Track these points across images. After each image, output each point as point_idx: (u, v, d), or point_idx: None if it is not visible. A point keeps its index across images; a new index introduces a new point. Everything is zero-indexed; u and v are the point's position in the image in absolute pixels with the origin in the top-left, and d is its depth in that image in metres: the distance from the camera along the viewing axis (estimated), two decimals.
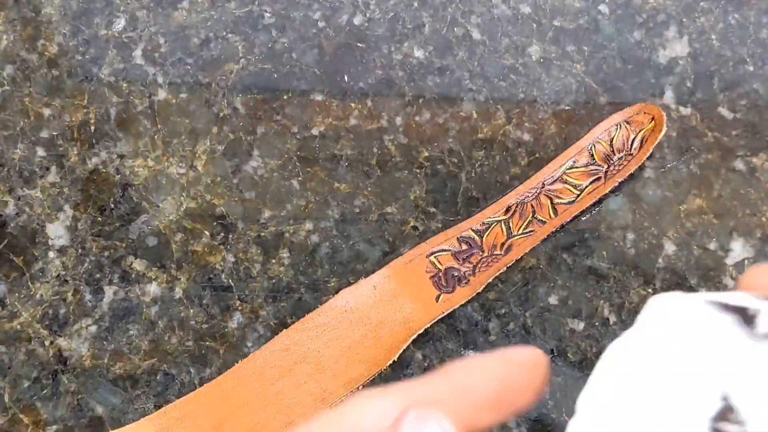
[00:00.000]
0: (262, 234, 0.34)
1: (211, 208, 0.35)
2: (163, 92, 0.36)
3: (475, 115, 0.36)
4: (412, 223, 0.34)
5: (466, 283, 0.33)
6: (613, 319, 0.33)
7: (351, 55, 0.36)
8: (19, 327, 0.34)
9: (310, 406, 0.32)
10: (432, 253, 0.34)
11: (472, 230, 0.34)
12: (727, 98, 0.36)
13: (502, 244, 0.34)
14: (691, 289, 0.34)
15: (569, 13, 0.37)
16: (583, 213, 0.34)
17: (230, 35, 0.37)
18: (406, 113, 0.36)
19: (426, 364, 0.33)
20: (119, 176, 0.35)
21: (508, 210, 0.34)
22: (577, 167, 0.34)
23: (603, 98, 0.36)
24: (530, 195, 0.34)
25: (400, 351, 0.33)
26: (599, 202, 0.34)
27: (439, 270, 0.33)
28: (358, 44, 0.36)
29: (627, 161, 0.34)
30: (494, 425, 0.21)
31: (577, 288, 0.34)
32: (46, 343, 0.33)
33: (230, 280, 0.34)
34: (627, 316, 0.33)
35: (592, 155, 0.34)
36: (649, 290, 0.34)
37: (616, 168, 0.34)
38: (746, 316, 0.17)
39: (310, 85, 0.36)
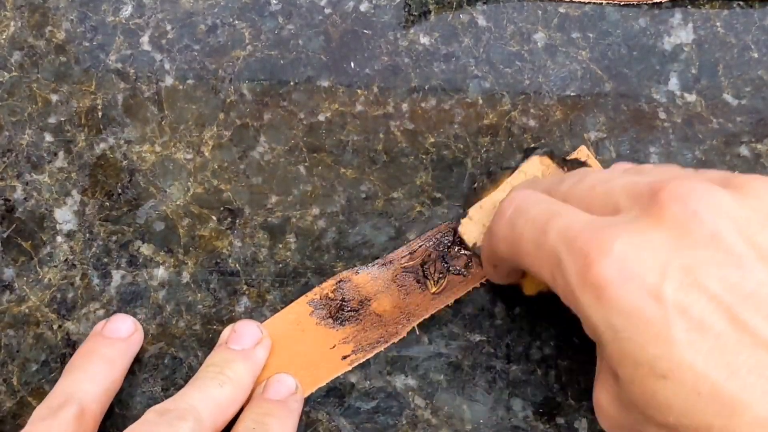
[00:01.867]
0: (269, 219, 0.35)
1: (218, 194, 0.35)
2: (170, 78, 0.36)
3: (480, 102, 0.36)
4: (418, 209, 0.35)
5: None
6: None
7: (357, 41, 0.37)
8: (27, 311, 0.34)
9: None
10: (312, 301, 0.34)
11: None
12: (732, 85, 0.36)
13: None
14: None
15: (574, 0, 0.37)
16: None
17: (237, 22, 0.37)
18: (412, 99, 0.36)
19: (432, 348, 0.33)
20: (126, 162, 0.35)
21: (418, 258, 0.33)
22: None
23: (608, 85, 0.36)
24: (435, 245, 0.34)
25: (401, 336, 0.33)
26: None
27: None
28: (365, 31, 0.37)
29: None
30: None
31: None
32: (54, 326, 0.34)
33: (237, 265, 0.34)
34: None
35: None
36: None
37: None
38: None
39: (316, 72, 0.36)
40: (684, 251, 0.22)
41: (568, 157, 0.34)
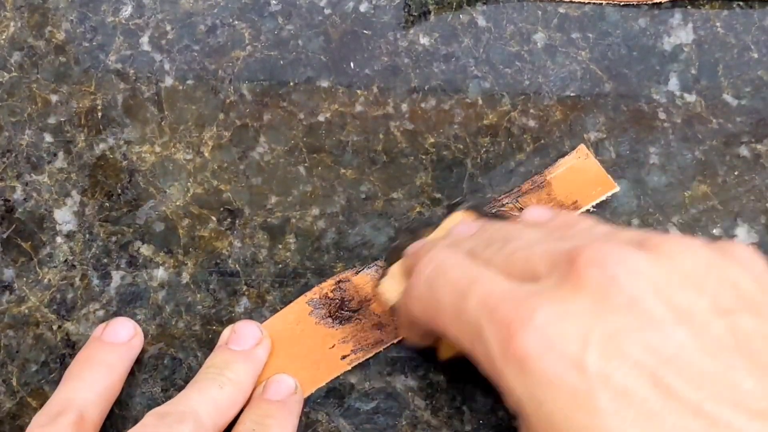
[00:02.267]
0: (269, 219, 0.35)
1: (217, 194, 0.35)
2: (170, 79, 0.36)
3: (480, 102, 0.36)
4: (418, 209, 0.35)
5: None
6: None
7: (357, 42, 0.37)
8: (27, 312, 0.34)
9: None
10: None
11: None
12: (732, 85, 0.36)
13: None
14: None
15: (574, 0, 0.37)
16: None
17: (237, 22, 0.37)
18: (412, 100, 0.36)
19: (432, 349, 0.33)
20: (126, 162, 0.35)
21: None
22: None
23: (608, 85, 0.36)
24: None
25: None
26: None
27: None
28: (364, 31, 0.37)
29: None
30: None
31: None
32: (54, 327, 0.34)
33: (237, 266, 0.34)
34: None
35: None
36: None
37: None
38: None
39: (316, 72, 0.36)
40: (604, 318, 0.21)
41: (493, 212, 0.33)
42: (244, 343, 0.32)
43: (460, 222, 0.32)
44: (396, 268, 0.32)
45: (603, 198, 0.34)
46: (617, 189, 0.34)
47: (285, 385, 0.31)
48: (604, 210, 0.34)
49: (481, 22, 0.37)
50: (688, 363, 0.21)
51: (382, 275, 0.32)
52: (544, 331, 0.22)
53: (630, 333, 0.21)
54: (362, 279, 0.34)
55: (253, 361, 0.31)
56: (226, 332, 0.32)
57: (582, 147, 0.35)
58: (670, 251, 0.23)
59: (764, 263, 0.24)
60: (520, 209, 0.34)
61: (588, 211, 0.34)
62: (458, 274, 0.25)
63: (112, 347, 0.32)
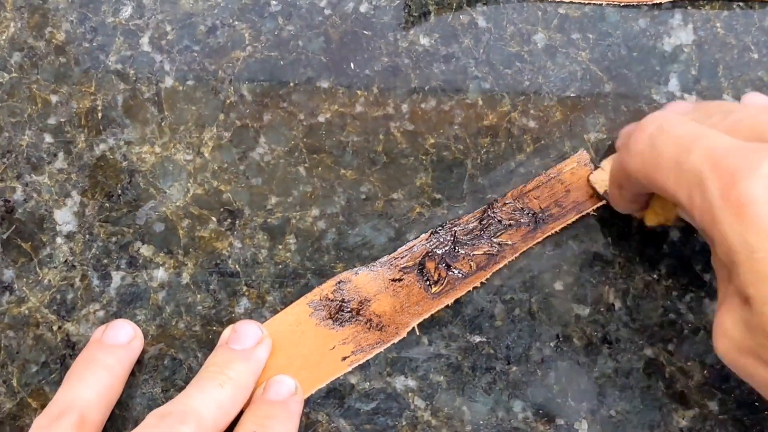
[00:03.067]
0: (269, 220, 0.35)
1: (217, 195, 0.35)
2: (170, 79, 0.36)
3: (480, 102, 0.36)
4: (417, 210, 0.35)
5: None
6: (618, 304, 0.33)
7: (357, 42, 0.37)
8: (27, 312, 0.34)
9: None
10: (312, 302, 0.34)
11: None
12: (732, 86, 0.36)
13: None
14: (696, 275, 0.34)
15: (574, 1, 0.37)
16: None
17: (237, 23, 0.37)
18: (412, 100, 0.36)
19: (432, 350, 0.33)
20: (126, 163, 0.35)
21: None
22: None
23: (608, 86, 0.36)
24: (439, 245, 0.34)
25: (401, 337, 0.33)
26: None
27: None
28: (365, 32, 0.37)
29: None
30: None
31: (583, 274, 0.34)
32: (54, 328, 0.34)
33: (237, 266, 0.34)
34: (632, 301, 0.33)
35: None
36: (654, 276, 0.34)
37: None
38: None
39: (316, 73, 0.36)
40: None
41: None
42: (244, 342, 0.32)
43: (675, 102, 0.33)
44: (607, 162, 0.33)
45: (603, 202, 0.34)
46: None
47: (285, 386, 0.31)
48: (604, 210, 0.34)
49: (482, 22, 0.37)
50: None
51: (595, 168, 0.34)
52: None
53: None
54: (363, 279, 0.34)
55: (254, 361, 0.31)
56: (227, 332, 0.32)
57: (582, 151, 0.35)
58: None
59: None
60: (522, 209, 0.34)
61: (590, 214, 0.34)
62: (683, 130, 0.26)
63: (112, 349, 0.32)
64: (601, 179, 0.33)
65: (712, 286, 0.34)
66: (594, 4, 0.37)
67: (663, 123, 0.27)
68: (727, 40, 0.36)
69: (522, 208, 0.34)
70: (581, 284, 0.34)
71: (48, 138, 0.36)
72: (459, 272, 0.33)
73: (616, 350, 0.33)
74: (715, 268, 0.26)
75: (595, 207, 0.34)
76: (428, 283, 0.33)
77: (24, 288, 0.34)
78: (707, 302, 0.33)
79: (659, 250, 0.34)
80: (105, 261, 0.34)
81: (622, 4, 0.37)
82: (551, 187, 0.34)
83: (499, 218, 0.34)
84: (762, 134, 0.25)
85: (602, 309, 0.33)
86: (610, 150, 0.34)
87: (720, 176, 0.23)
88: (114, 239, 0.35)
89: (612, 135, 0.35)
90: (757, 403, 0.32)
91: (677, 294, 0.34)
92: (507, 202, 0.34)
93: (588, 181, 0.34)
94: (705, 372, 0.33)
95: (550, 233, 0.34)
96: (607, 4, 0.37)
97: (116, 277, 0.34)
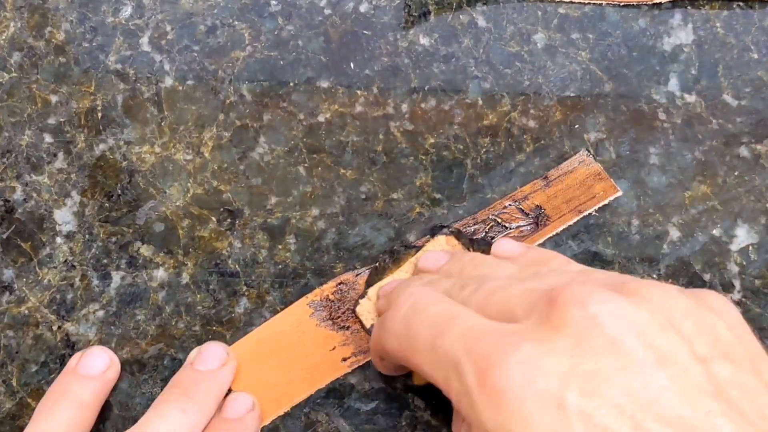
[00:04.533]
0: (269, 220, 0.35)
1: (217, 195, 0.35)
2: (170, 79, 0.36)
3: (480, 102, 0.36)
4: (417, 209, 0.35)
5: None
6: None
7: (357, 42, 0.37)
8: (26, 312, 0.34)
9: None
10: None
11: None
12: (732, 85, 0.36)
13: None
14: (696, 275, 0.34)
15: (574, 1, 0.37)
16: None
17: (237, 22, 0.37)
18: (412, 100, 0.36)
19: None
20: (126, 162, 0.35)
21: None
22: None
23: (608, 85, 0.36)
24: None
25: None
26: None
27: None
28: (364, 32, 0.37)
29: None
30: None
31: None
32: (54, 327, 0.34)
33: (237, 266, 0.34)
34: None
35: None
36: (654, 276, 0.34)
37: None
38: None
39: (316, 73, 0.36)
40: (585, 357, 0.21)
41: (474, 237, 0.33)
42: (209, 363, 0.32)
43: (431, 252, 0.32)
44: (374, 291, 0.32)
45: (606, 202, 0.34)
46: (620, 193, 0.34)
47: (242, 404, 0.31)
48: (603, 211, 0.34)
49: (481, 22, 0.37)
50: (668, 407, 0.21)
51: (361, 295, 0.32)
52: (524, 367, 0.21)
53: (611, 374, 0.21)
54: (363, 279, 0.34)
55: (217, 383, 0.31)
56: (193, 353, 0.32)
57: (584, 150, 0.35)
58: (649, 296, 0.23)
59: (737, 312, 0.24)
60: (522, 211, 0.34)
61: (590, 214, 0.34)
62: (437, 310, 0.25)
63: (86, 381, 0.31)
64: (367, 311, 0.32)
65: (712, 285, 0.34)
66: (594, 3, 0.37)
67: (416, 302, 0.26)
68: (727, 39, 0.36)
69: (522, 210, 0.34)
70: None
71: (48, 138, 0.36)
72: None
73: None
74: None
75: (596, 208, 0.34)
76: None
77: (24, 288, 0.34)
78: None
79: (659, 250, 0.34)
80: (105, 261, 0.34)
81: (622, 3, 0.37)
82: (551, 189, 0.34)
83: (499, 220, 0.34)
84: (512, 311, 0.24)
85: None
86: (375, 274, 0.33)
87: (475, 362, 0.22)
88: (114, 239, 0.34)
89: (611, 135, 0.35)
90: None
91: None
92: (507, 204, 0.34)
93: (354, 312, 0.32)
94: None
95: (550, 234, 0.34)
96: (607, 3, 0.37)
97: (116, 277, 0.34)
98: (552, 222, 0.34)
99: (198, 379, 0.31)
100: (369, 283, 0.33)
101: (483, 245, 0.32)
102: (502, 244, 0.30)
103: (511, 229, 0.34)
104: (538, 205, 0.34)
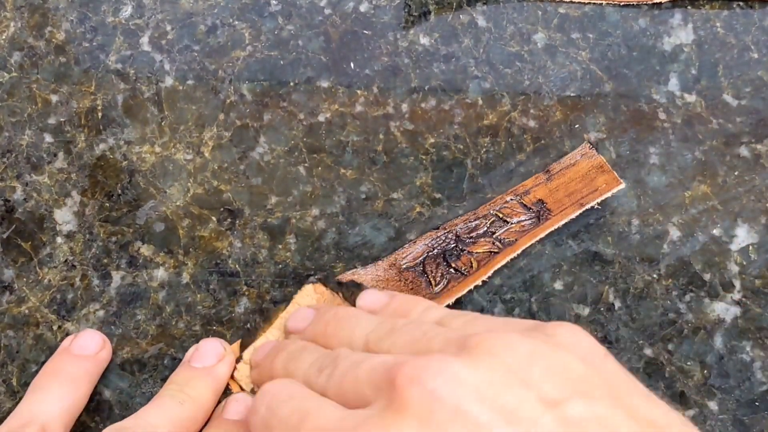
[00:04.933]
0: (269, 220, 0.35)
1: (217, 194, 0.35)
2: (170, 79, 0.36)
3: (480, 102, 0.36)
4: (417, 209, 0.35)
5: None
6: (618, 304, 0.33)
7: (357, 42, 0.37)
8: (27, 312, 0.34)
9: None
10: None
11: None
12: (732, 85, 0.36)
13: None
14: (696, 274, 0.34)
15: (574, 0, 0.37)
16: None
17: (237, 22, 0.37)
18: (412, 100, 0.36)
19: None
20: (126, 162, 0.35)
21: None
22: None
23: (608, 85, 0.36)
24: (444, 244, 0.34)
25: None
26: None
27: None
28: (364, 31, 0.37)
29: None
30: None
31: (583, 273, 0.34)
32: (54, 327, 0.34)
33: (237, 266, 0.34)
34: (632, 301, 0.33)
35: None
36: (654, 276, 0.34)
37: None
38: None
39: (316, 72, 0.36)
40: None
41: (342, 280, 0.33)
42: (206, 360, 0.32)
43: (298, 310, 0.32)
44: (249, 354, 0.32)
45: (608, 195, 0.34)
46: (623, 185, 0.34)
47: (243, 405, 0.31)
48: (604, 210, 0.34)
49: (481, 22, 0.37)
50: None
51: (237, 360, 0.32)
52: None
53: None
54: (364, 279, 0.34)
55: (214, 378, 0.31)
56: (191, 351, 0.32)
57: (586, 143, 0.35)
58: (490, 349, 0.22)
59: (590, 340, 0.24)
60: (524, 205, 0.34)
61: (592, 208, 0.34)
62: (289, 410, 0.25)
63: (79, 360, 0.32)
64: (246, 375, 0.32)
65: (713, 285, 0.34)
66: (594, 3, 0.37)
67: (269, 402, 0.26)
68: (727, 39, 0.36)
69: (524, 204, 0.34)
70: (581, 284, 0.34)
71: (48, 138, 0.36)
72: (460, 271, 0.33)
73: (616, 350, 0.33)
74: None
75: (597, 201, 0.34)
76: (430, 282, 0.33)
77: (24, 288, 0.34)
78: (707, 302, 0.33)
79: (659, 249, 0.34)
80: (105, 261, 0.34)
81: (622, 3, 0.37)
82: (553, 182, 0.34)
83: (500, 215, 0.34)
84: (364, 395, 0.24)
85: (602, 309, 0.33)
86: (248, 336, 0.33)
87: None
88: (114, 239, 0.35)
89: (612, 134, 0.35)
90: (757, 403, 0.32)
91: (677, 294, 0.34)
92: (509, 198, 0.34)
93: (232, 378, 0.32)
94: (705, 372, 0.33)
95: (552, 228, 0.34)
96: (607, 3, 0.37)
97: (116, 276, 0.34)
98: (554, 216, 0.34)
99: (195, 376, 0.31)
100: (243, 346, 0.33)
101: (353, 288, 0.33)
102: (365, 297, 0.31)
103: (512, 223, 0.34)
104: (540, 199, 0.34)
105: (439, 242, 0.34)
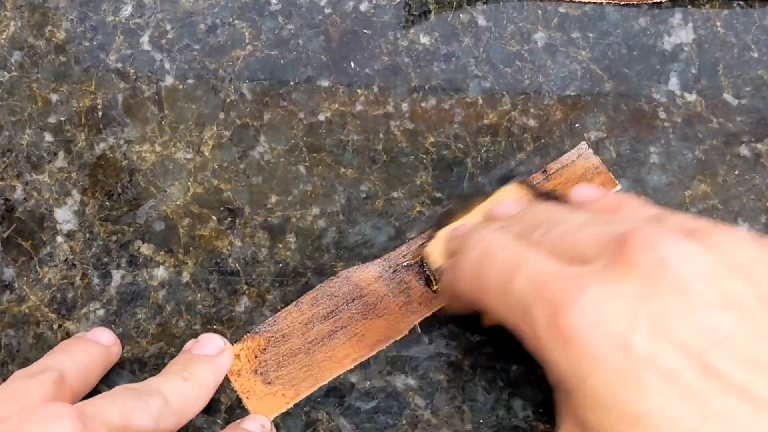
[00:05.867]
0: (269, 219, 0.35)
1: (218, 194, 0.35)
2: (170, 78, 0.36)
3: (480, 101, 0.36)
4: (418, 208, 0.35)
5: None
6: None
7: (357, 41, 0.37)
8: (27, 311, 0.34)
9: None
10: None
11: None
12: (732, 84, 0.36)
13: None
14: None
15: (574, 0, 0.37)
16: None
17: (237, 21, 0.37)
18: (412, 99, 0.36)
19: (432, 348, 0.33)
20: (126, 161, 0.35)
21: None
22: None
23: (608, 84, 0.36)
24: None
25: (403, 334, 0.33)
26: None
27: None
28: (365, 31, 0.37)
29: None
30: None
31: None
32: (55, 326, 0.34)
33: (237, 265, 0.34)
34: None
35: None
36: None
37: None
38: None
39: (316, 72, 0.36)
40: (652, 299, 0.22)
41: (544, 190, 0.33)
42: (206, 350, 0.32)
43: (504, 201, 0.32)
44: (443, 233, 0.32)
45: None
46: (619, 187, 0.34)
47: (261, 423, 0.31)
48: None
49: (482, 21, 0.37)
50: (734, 347, 0.21)
51: (429, 237, 0.33)
52: (591, 310, 0.22)
53: (678, 315, 0.21)
54: (363, 278, 0.34)
55: (216, 366, 0.32)
56: (190, 343, 0.33)
57: (583, 144, 0.35)
58: (719, 241, 0.23)
59: None
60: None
61: None
62: (506, 255, 0.26)
63: (95, 344, 0.32)
64: (436, 252, 0.32)
65: None
66: (594, 2, 0.37)
67: (486, 247, 0.26)
68: (728, 38, 0.36)
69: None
70: None
71: (48, 137, 0.36)
72: None
73: None
74: (553, 390, 0.26)
75: None
76: (430, 280, 0.33)
77: (24, 287, 0.34)
78: None
79: None
80: (105, 260, 0.34)
81: (623, 2, 0.37)
82: (550, 182, 0.34)
83: None
84: (582, 254, 0.24)
85: None
86: (445, 217, 0.34)
87: (544, 305, 0.23)
88: (114, 238, 0.35)
89: (612, 134, 0.35)
90: None
91: None
92: None
93: (423, 254, 0.32)
94: None
95: None
96: (607, 3, 0.37)
97: (116, 275, 0.34)
98: None
99: (196, 359, 0.31)
100: (438, 226, 0.33)
101: (551, 198, 0.33)
102: (579, 190, 0.30)
103: None
104: (536, 197, 0.34)
105: None
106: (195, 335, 0.33)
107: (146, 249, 0.34)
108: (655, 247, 0.22)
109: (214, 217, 0.35)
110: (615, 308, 0.22)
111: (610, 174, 0.34)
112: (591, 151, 0.35)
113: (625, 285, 0.22)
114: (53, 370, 0.29)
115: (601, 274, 0.23)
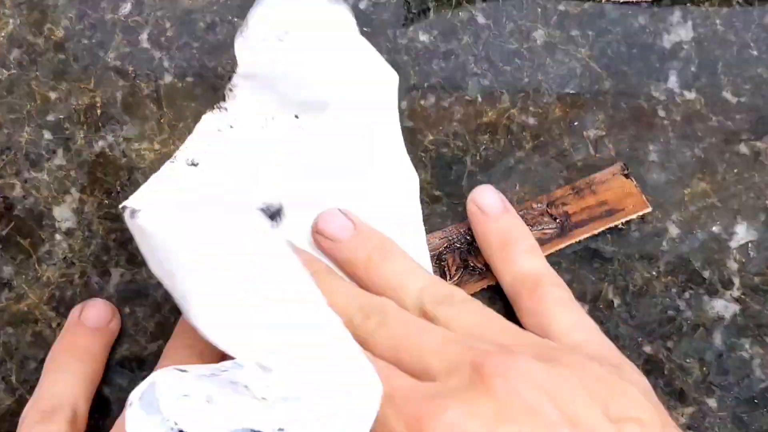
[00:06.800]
0: None
1: None
2: (169, 76, 0.36)
3: (479, 99, 0.36)
4: None
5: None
6: (617, 301, 0.34)
7: None
8: (26, 309, 0.34)
9: None
10: None
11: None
12: (731, 83, 0.36)
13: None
14: (695, 272, 0.34)
15: None
16: None
17: (236, 19, 0.37)
18: (411, 97, 0.36)
19: None
20: (125, 159, 0.35)
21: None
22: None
23: (607, 82, 0.36)
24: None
25: None
26: None
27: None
28: (364, 28, 0.37)
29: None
30: None
31: (582, 271, 0.34)
32: (53, 324, 0.34)
33: None
34: (631, 298, 0.34)
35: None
36: (653, 273, 0.34)
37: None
38: None
39: None
40: (507, 422, 0.24)
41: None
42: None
43: (325, 213, 0.33)
44: None
45: (633, 216, 0.33)
46: (649, 209, 0.34)
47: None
48: (628, 223, 0.34)
49: (481, 19, 0.37)
50: None
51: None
52: (453, 428, 0.23)
53: None
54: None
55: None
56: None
57: (619, 164, 0.34)
58: (567, 364, 0.26)
59: (648, 384, 0.28)
60: (549, 214, 0.34)
61: (616, 227, 0.34)
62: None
63: (94, 333, 0.32)
64: None
65: (712, 282, 0.34)
66: (594, 1, 0.37)
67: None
68: (727, 37, 0.36)
69: (550, 214, 0.34)
70: (580, 281, 0.34)
71: (47, 135, 0.36)
72: (474, 269, 0.33)
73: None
74: None
75: (623, 220, 0.34)
76: (445, 276, 0.33)
77: (23, 285, 0.34)
78: (706, 299, 0.34)
79: (658, 247, 0.34)
80: (104, 258, 0.34)
81: (622, 1, 0.37)
82: (582, 196, 0.34)
83: (525, 221, 0.33)
84: (427, 367, 0.26)
85: (601, 306, 0.34)
86: None
87: (407, 422, 0.24)
88: (113, 236, 0.35)
89: (611, 132, 0.35)
90: (756, 400, 0.32)
91: (676, 291, 0.34)
92: (535, 205, 0.34)
93: None
94: (704, 369, 0.33)
95: (572, 242, 0.33)
96: (607, 1, 0.37)
97: (115, 274, 0.34)
98: (577, 230, 0.33)
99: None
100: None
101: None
102: (478, 193, 0.33)
103: (534, 230, 0.33)
104: (566, 212, 0.34)
105: (457, 238, 0.34)
106: None
107: None
108: (508, 375, 0.24)
109: None
110: (475, 428, 0.23)
111: (643, 196, 0.34)
112: (626, 171, 0.34)
113: (482, 407, 0.24)
114: (64, 407, 0.30)
115: (459, 394, 0.24)
